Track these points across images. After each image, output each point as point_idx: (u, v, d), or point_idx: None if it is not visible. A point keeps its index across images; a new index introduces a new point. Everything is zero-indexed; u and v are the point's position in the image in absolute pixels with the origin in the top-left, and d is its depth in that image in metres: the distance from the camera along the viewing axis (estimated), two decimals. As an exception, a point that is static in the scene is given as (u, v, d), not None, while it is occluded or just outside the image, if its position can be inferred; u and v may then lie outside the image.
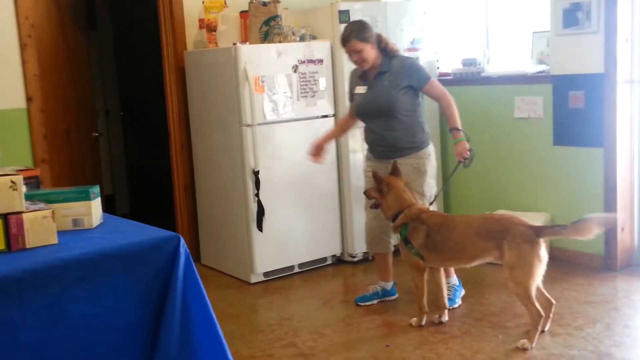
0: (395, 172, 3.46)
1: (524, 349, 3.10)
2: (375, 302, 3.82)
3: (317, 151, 3.88)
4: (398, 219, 3.39)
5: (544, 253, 3.12)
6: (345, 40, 3.56)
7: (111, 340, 1.98)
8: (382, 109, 3.56)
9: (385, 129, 3.59)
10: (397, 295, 3.86)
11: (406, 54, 4.19)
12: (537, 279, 3.13)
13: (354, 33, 3.53)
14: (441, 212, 3.49)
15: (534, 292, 3.12)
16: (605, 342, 3.15)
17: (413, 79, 3.55)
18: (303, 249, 4.44)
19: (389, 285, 3.86)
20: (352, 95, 3.78)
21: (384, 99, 3.55)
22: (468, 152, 3.51)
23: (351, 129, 4.04)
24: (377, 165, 3.68)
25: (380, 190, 3.43)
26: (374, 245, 3.78)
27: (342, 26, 4.33)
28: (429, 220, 3.33)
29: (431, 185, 3.64)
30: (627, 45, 4.02)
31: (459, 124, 3.53)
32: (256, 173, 4.15)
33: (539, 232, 3.12)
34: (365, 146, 4.47)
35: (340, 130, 4.02)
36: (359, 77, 3.69)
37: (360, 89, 3.67)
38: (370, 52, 3.55)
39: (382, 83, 3.57)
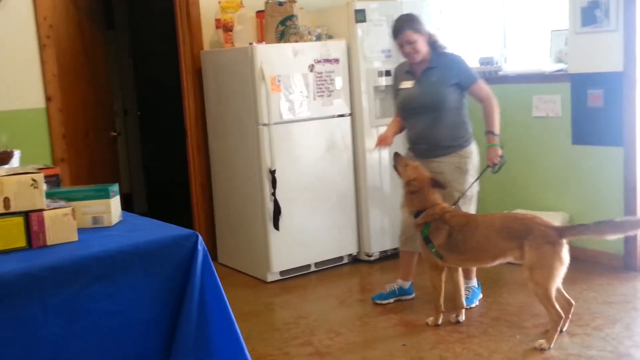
0: (437, 184, 3.39)
1: (542, 349, 3.07)
2: (392, 300, 3.81)
3: (386, 140, 3.70)
4: (420, 217, 3.37)
5: (565, 254, 3.09)
6: (398, 31, 3.54)
7: (129, 336, 1.99)
8: (429, 105, 3.54)
9: (430, 126, 3.57)
10: (413, 295, 3.85)
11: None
12: (558, 281, 3.10)
13: (409, 23, 3.52)
14: (464, 212, 3.47)
15: (554, 293, 3.09)
16: (625, 343, 3.11)
17: (462, 76, 3.54)
18: (319, 248, 4.45)
19: (406, 284, 3.85)
20: (397, 91, 3.75)
21: (433, 95, 3.53)
22: (499, 158, 3.50)
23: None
24: (444, 156, 3.61)
25: (410, 186, 3.38)
26: (407, 243, 3.75)
27: (358, 25, 4.39)
28: (452, 220, 3.30)
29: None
30: (647, 44, 3.98)
31: (497, 128, 3.53)
32: (273, 172, 4.16)
33: (561, 232, 3.09)
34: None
35: (398, 126, 3.79)
36: (406, 72, 3.67)
37: (407, 84, 3.64)
38: (423, 45, 3.54)
39: (431, 79, 3.55)
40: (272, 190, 4.18)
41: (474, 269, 3.73)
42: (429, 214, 3.34)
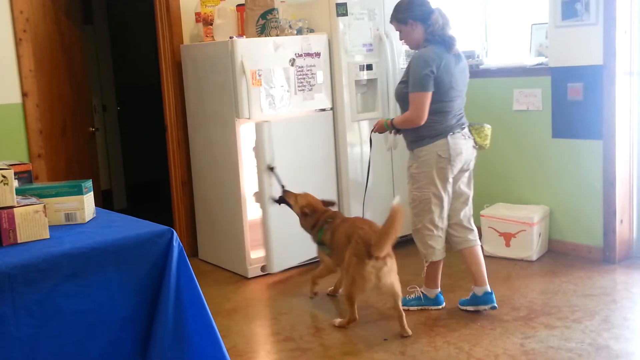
0: (328, 204, 3.74)
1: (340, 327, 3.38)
2: (415, 308, 3.55)
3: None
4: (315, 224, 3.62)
5: (368, 272, 3.22)
6: (390, 20, 3.49)
7: (104, 335, 1.97)
8: (395, 97, 3.56)
9: None
10: (443, 305, 3.57)
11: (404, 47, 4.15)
12: (360, 292, 3.31)
13: (394, 14, 3.41)
14: (343, 216, 3.77)
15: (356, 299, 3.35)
16: (604, 335, 3.13)
17: (409, 78, 3.32)
18: (301, 244, 4.41)
19: (432, 292, 3.57)
20: None
21: (396, 89, 3.53)
22: (380, 131, 3.57)
23: None
24: (409, 154, 3.51)
25: (303, 212, 3.67)
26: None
27: (340, 19, 4.37)
28: (334, 219, 3.58)
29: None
30: (626, 37, 3.99)
31: (396, 123, 3.41)
32: (272, 169, 4.07)
33: (371, 250, 3.20)
34: (362, 140, 4.47)
35: None
36: None
37: None
38: (410, 34, 3.36)
39: (404, 71, 3.46)
40: (282, 184, 4.09)
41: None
42: (320, 219, 3.60)
